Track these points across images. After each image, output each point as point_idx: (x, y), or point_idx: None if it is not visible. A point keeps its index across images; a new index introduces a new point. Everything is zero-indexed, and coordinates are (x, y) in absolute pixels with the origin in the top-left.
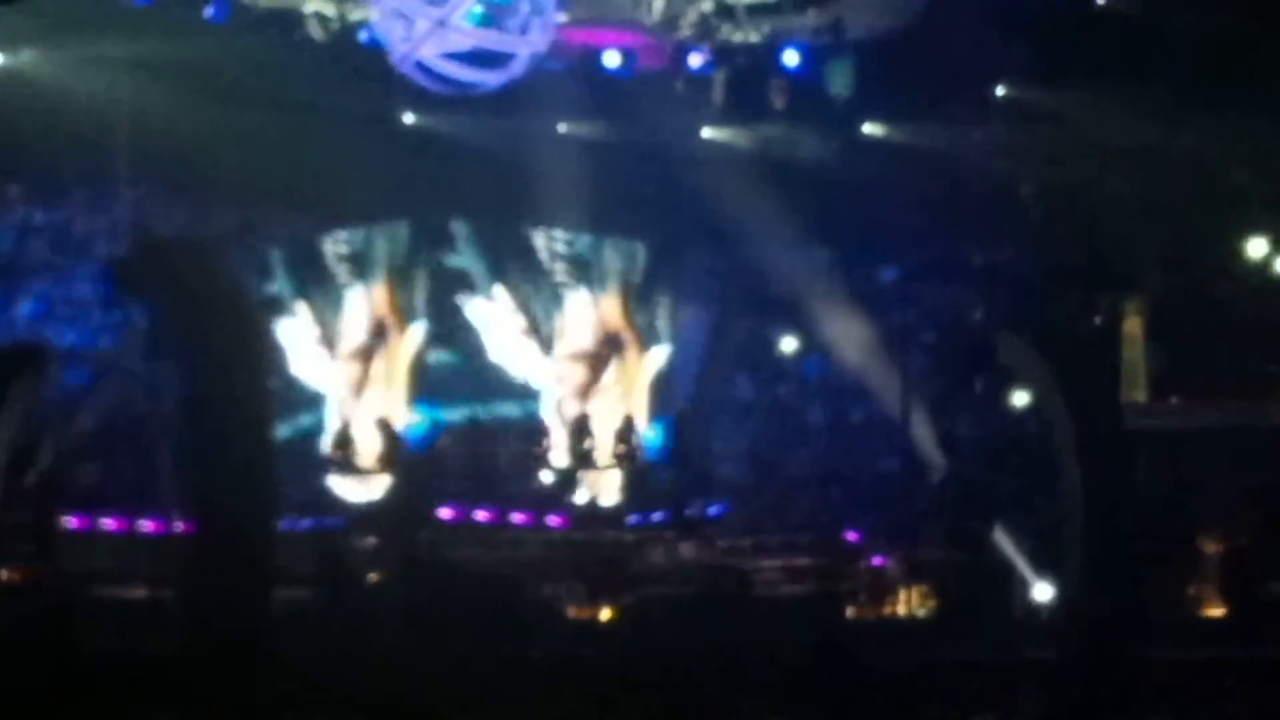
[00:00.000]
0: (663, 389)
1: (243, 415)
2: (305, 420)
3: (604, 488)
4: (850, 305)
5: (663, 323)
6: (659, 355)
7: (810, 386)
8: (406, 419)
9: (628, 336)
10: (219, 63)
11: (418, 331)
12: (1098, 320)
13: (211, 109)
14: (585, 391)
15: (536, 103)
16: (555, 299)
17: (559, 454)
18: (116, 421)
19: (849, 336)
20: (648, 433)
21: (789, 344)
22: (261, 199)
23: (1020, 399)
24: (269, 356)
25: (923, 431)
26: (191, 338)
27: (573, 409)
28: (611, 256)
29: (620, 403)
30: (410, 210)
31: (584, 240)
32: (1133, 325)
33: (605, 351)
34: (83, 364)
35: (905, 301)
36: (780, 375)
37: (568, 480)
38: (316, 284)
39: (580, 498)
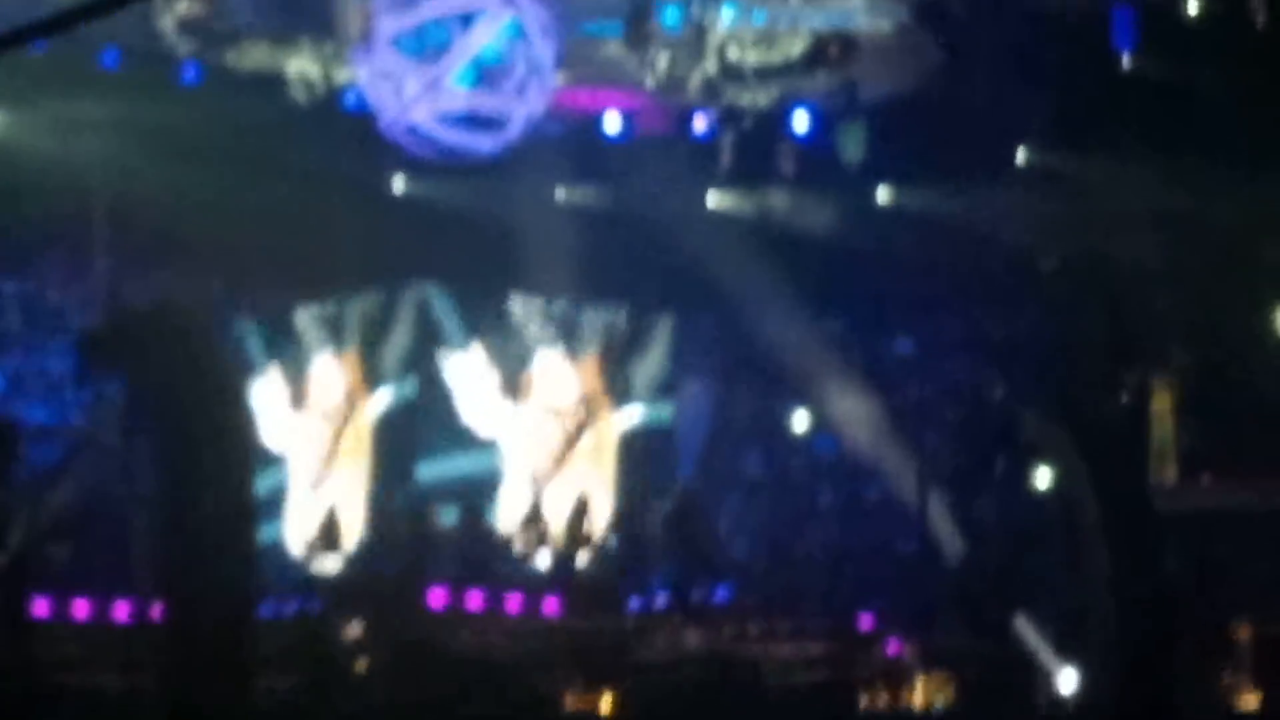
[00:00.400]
0: (662, 463)
1: (221, 495)
2: (265, 482)
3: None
4: (864, 379)
5: (640, 388)
6: (629, 416)
7: (822, 464)
8: (382, 490)
9: (602, 401)
10: (195, 127)
11: (383, 397)
12: (1124, 396)
13: (188, 175)
14: (559, 458)
15: (533, 167)
16: (527, 358)
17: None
18: (89, 501)
19: (863, 412)
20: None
21: (799, 419)
22: (241, 268)
23: (1043, 478)
24: (248, 433)
25: (940, 512)
26: (167, 413)
27: (547, 479)
28: (595, 321)
29: (590, 471)
30: (396, 279)
31: (573, 308)
32: (1161, 401)
33: (581, 416)
34: (54, 441)
35: (922, 376)
36: (790, 452)
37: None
38: (287, 347)
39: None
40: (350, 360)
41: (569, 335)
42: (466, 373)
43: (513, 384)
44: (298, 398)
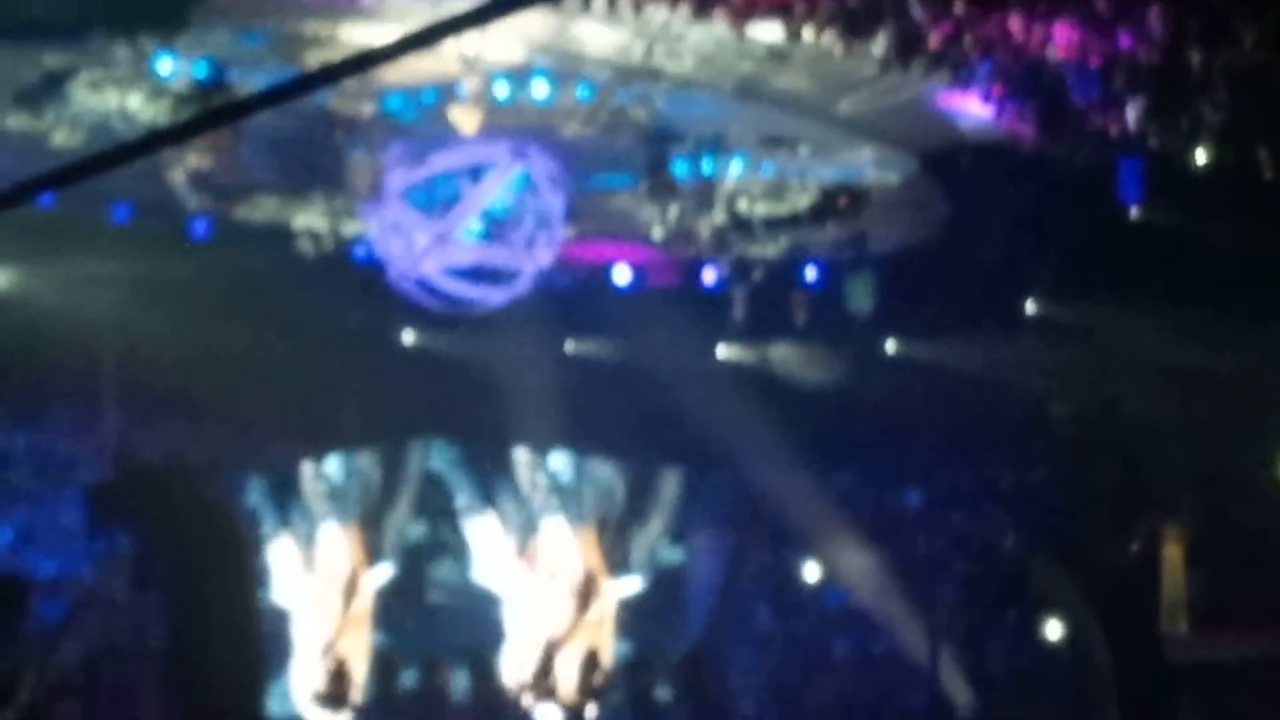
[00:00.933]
0: (671, 616)
1: (230, 651)
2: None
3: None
4: (874, 531)
5: (639, 554)
6: (627, 586)
7: (832, 617)
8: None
9: (603, 568)
10: (206, 281)
11: (383, 572)
12: (1135, 547)
13: (199, 328)
14: (566, 620)
15: (542, 320)
16: (535, 524)
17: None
18: (99, 655)
19: (873, 564)
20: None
21: (810, 572)
22: (251, 421)
23: (1054, 629)
24: (256, 590)
25: (951, 663)
26: (177, 568)
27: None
28: (601, 481)
29: (587, 630)
30: (405, 431)
31: (579, 465)
32: (1172, 551)
33: (576, 576)
34: (64, 595)
35: (932, 527)
36: (801, 605)
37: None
38: (297, 506)
39: None
40: (357, 526)
41: (576, 498)
42: (477, 535)
43: (521, 548)
44: (307, 558)
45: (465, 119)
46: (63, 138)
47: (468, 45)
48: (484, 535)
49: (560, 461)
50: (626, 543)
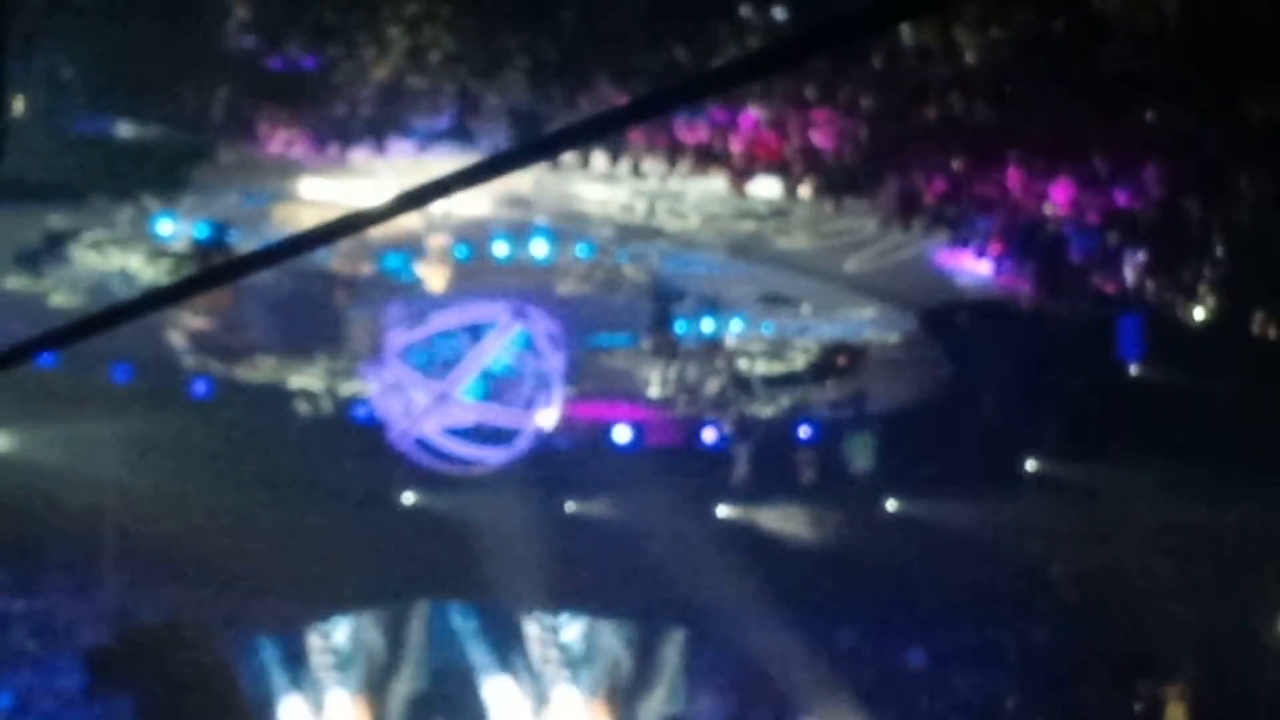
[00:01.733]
0: None
1: None
2: None
3: None
4: (876, 692)
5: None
6: None
7: None
8: None
9: None
10: (206, 441)
11: None
12: (1138, 708)
13: (199, 489)
14: None
15: (543, 479)
16: (545, 692)
17: None
18: None
19: None
20: None
21: None
22: (252, 582)
23: None
24: None
25: None
26: None
27: None
28: (608, 648)
29: None
30: (406, 593)
31: (587, 632)
32: (1174, 713)
33: None
34: None
35: (934, 688)
36: None
37: None
38: (304, 681)
39: None
40: (364, 692)
41: (585, 666)
42: (494, 697)
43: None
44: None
45: (432, 276)
46: (62, 298)
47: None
48: (500, 697)
49: (569, 628)
50: (634, 710)
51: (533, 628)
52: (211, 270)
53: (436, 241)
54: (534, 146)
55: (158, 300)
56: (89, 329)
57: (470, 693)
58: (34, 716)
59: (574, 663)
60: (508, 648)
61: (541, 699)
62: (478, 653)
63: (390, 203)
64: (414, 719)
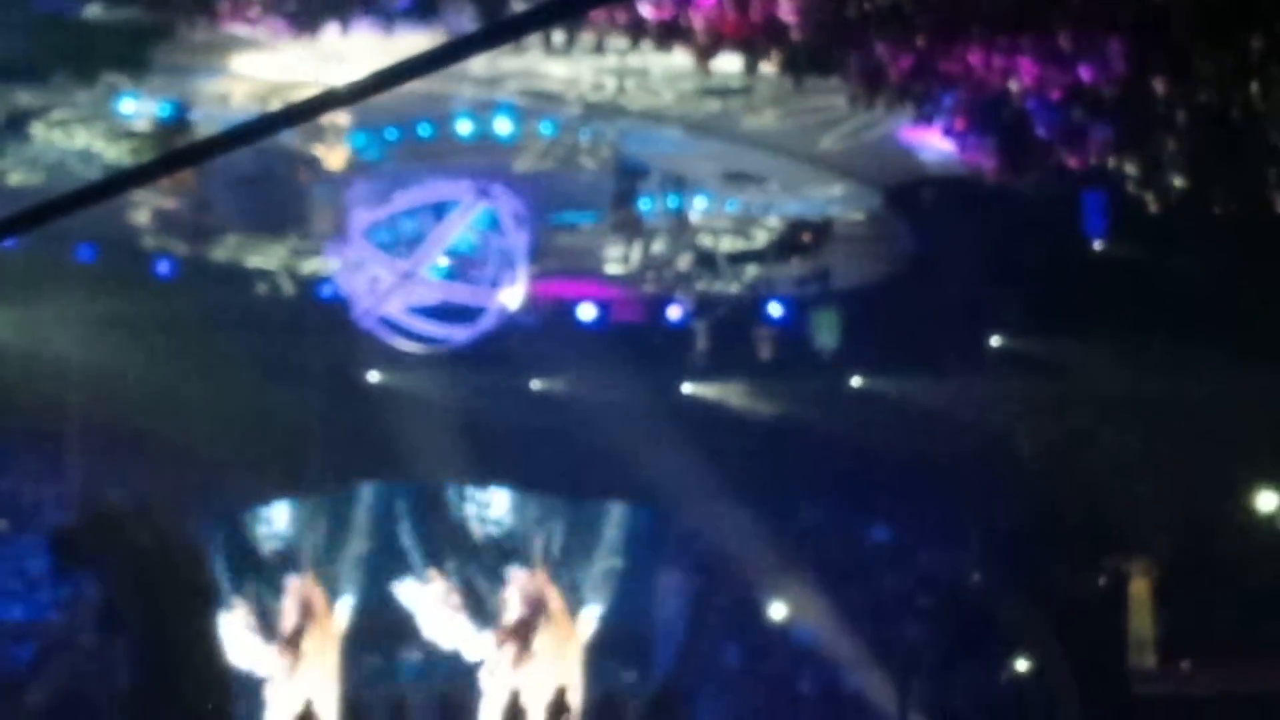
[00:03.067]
0: (643, 659)
1: (197, 691)
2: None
3: None
4: (840, 568)
5: (593, 586)
6: (589, 617)
7: (800, 655)
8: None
9: (556, 603)
10: (170, 321)
11: (344, 606)
12: (1102, 581)
13: (163, 369)
14: (518, 661)
15: (508, 357)
16: (494, 575)
17: None
18: (67, 700)
19: (840, 602)
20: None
21: (777, 610)
22: (216, 461)
23: (1022, 665)
24: (219, 630)
25: (919, 700)
26: (144, 611)
27: (508, 680)
28: (559, 520)
29: (552, 670)
30: (369, 470)
31: (538, 504)
32: (1138, 587)
33: (534, 619)
34: (31, 640)
35: (899, 564)
36: (768, 644)
37: None
38: (252, 575)
39: None
40: (315, 574)
41: (536, 538)
42: (433, 581)
43: (487, 587)
44: (265, 621)
45: (329, 155)
46: (20, 177)
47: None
48: (440, 582)
49: (531, 504)
50: (583, 579)
51: (495, 503)
52: (180, 151)
53: (333, 121)
54: (500, 27)
55: (124, 182)
56: (55, 211)
57: (420, 569)
58: (1, 598)
59: (528, 535)
60: (466, 524)
61: (496, 567)
62: (435, 529)
63: (358, 83)
64: (370, 595)
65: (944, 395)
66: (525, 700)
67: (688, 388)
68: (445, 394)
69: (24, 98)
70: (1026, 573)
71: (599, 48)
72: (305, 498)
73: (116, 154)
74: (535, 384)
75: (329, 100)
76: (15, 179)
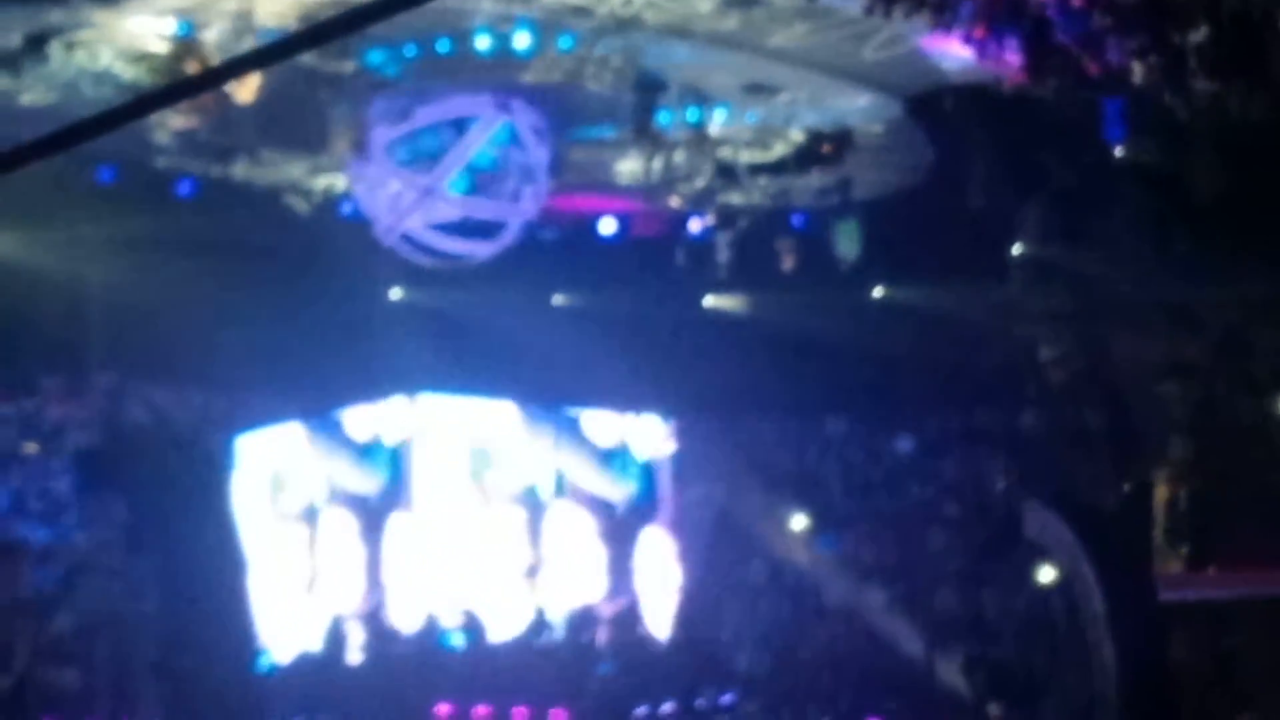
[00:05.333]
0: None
1: (223, 612)
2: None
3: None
4: (865, 478)
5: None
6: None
7: (824, 565)
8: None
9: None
10: (192, 241)
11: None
12: (1127, 488)
13: (186, 289)
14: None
15: (529, 273)
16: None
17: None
18: (93, 621)
19: (864, 512)
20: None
21: (801, 521)
22: (240, 381)
23: (1047, 573)
24: (246, 548)
25: (946, 610)
26: (170, 531)
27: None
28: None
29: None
30: (394, 387)
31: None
32: (1164, 493)
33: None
34: (57, 561)
35: (923, 473)
36: (792, 554)
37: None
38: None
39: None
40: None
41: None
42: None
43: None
44: (289, 513)
45: (238, 89)
46: (32, 97)
47: None
48: (472, 497)
49: (556, 419)
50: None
51: (520, 420)
52: (203, 74)
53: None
54: None
55: (150, 104)
56: (81, 134)
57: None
58: (25, 518)
59: (558, 453)
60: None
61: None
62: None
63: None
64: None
65: (967, 304)
66: (550, 613)
67: (709, 300)
68: (467, 310)
69: (43, 18)
70: (1052, 481)
71: None
72: (340, 411)
73: (134, 74)
74: (557, 299)
75: (354, 18)
76: (27, 99)
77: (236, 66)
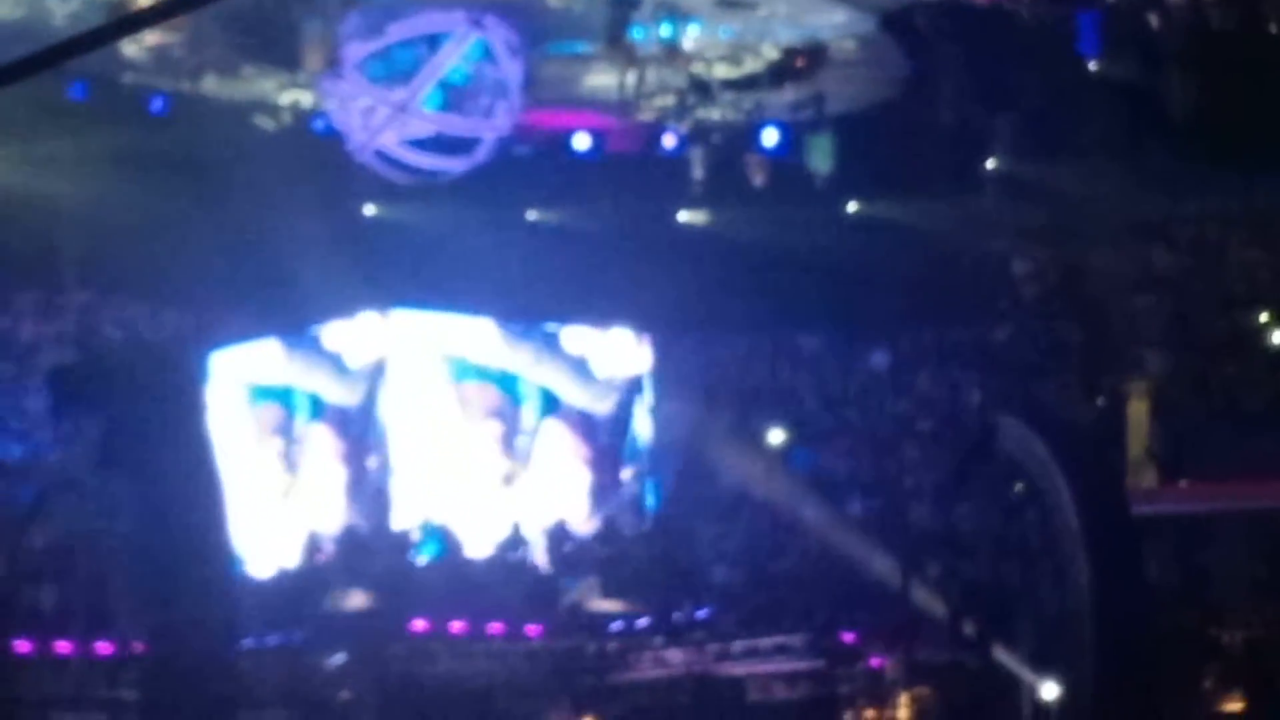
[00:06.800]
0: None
1: (199, 528)
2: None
3: (586, 592)
4: (839, 393)
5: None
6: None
7: (799, 481)
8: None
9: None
10: (164, 157)
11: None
12: (1100, 402)
13: (159, 205)
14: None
15: (503, 189)
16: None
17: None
18: (68, 539)
19: (838, 426)
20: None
21: (776, 436)
22: (213, 297)
23: (1021, 487)
24: (220, 466)
25: (920, 525)
26: (143, 448)
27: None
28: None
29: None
30: (367, 303)
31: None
32: (1137, 407)
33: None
34: (31, 479)
35: (897, 388)
36: (767, 470)
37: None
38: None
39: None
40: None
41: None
42: (437, 412)
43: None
44: (264, 429)
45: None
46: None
47: None
48: (443, 408)
49: (533, 334)
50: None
51: (496, 335)
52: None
53: None
54: None
55: (122, 28)
56: (50, 60)
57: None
58: (1, 437)
59: (536, 367)
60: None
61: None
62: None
63: None
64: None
65: (940, 220)
66: (527, 529)
67: (683, 216)
68: (441, 226)
69: None
70: (1025, 395)
71: None
72: (315, 326)
73: None
74: (531, 214)
75: None
76: None
77: None
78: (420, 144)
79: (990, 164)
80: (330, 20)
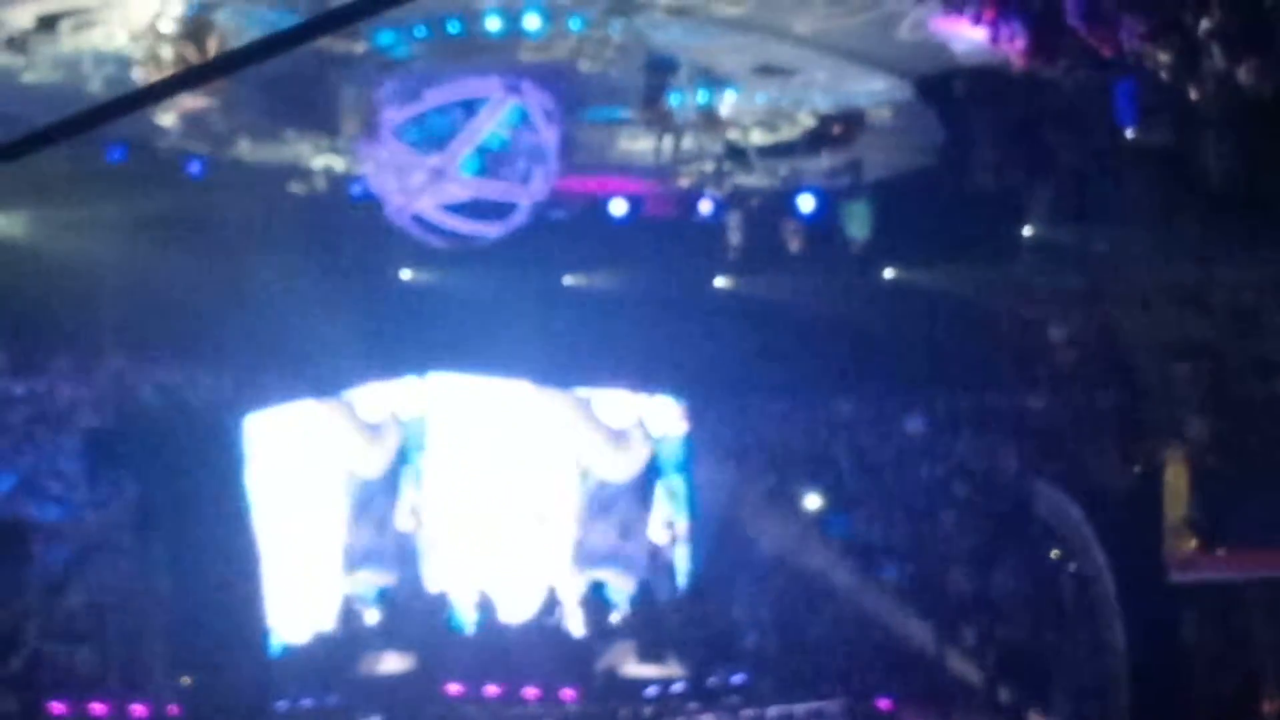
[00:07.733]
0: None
1: (235, 591)
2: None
3: (621, 656)
4: (875, 459)
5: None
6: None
7: (835, 547)
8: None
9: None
10: (202, 221)
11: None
12: (1137, 469)
13: (196, 269)
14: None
15: (539, 254)
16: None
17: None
18: (104, 600)
19: (874, 491)
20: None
21: (812, 501)
22: (250, 361)
23: (1058, 554)
24: (257, 528)
25: (956, 591)
26: (179, 510)
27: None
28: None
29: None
30: (405, 369)
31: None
32: (1175, 474)
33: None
34: (67, 541)
35: (933, 454)
36: (803, 535)
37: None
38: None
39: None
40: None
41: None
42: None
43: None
44: (301, 493)
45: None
46: (35, 77)
47: None
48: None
49: (568, 399)
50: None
51: (532, 400)
52: (216, 60)
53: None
54: None
55: (162, 90)
56: (95, 120)
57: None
58: (37, 498)
59: (571, 433)
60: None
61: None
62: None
63: None
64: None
65: (977, 286)
66: (561, 593)
67: (720, 281)
68: (478, 291)
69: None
70: (1062, 461)
71: None
72: (351, 391)
73: (144, 55)
74: (568, 279)
75: (366, 2)
76: (30, 78)
77: (251, 53)
78: (457, 209)
79: (1027, 230)
80: (367, 86)
